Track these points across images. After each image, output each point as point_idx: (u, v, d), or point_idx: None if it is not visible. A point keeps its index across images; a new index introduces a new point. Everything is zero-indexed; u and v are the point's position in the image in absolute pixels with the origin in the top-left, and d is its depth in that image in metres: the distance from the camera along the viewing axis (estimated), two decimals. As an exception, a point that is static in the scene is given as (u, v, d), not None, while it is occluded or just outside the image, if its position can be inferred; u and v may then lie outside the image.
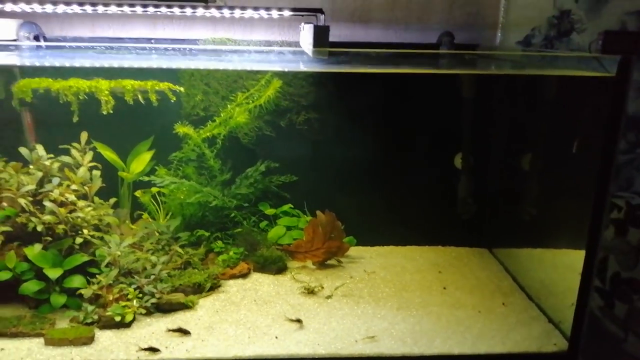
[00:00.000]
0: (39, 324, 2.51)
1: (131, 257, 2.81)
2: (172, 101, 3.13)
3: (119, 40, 3.37)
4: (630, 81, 2.21)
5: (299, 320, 2.70)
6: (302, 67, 3.24)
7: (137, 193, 3.27)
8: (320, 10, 2.97)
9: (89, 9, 2.90)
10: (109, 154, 3.19)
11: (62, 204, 2.71)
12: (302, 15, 3.16)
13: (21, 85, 2.96)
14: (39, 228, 2.59)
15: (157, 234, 3.14)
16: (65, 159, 2.91)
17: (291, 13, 2.99)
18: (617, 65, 2.19)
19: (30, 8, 2.90)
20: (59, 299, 2.61)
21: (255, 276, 3.17)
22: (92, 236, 2.74)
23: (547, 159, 3.02)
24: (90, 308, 2.59)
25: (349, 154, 3.56)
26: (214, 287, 2.96)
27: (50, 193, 2.69)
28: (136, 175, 3.25)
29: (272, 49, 3.19)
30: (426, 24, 3.54)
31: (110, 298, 2.65)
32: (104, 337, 2.52)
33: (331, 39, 3.48)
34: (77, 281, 2.66)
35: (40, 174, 2.72)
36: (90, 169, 2.94)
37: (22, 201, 2.59)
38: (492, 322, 2.75)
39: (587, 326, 2.50)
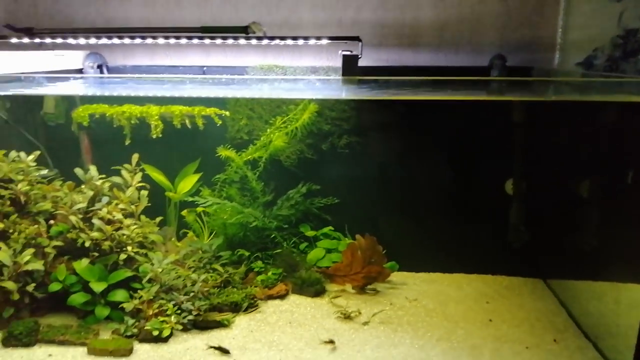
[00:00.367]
0: (83, 334, 2.64)
1: (172, 274, 2.90)
2: (217, 125, 3.26)
3: (175, 68, 3.57)
4: None
5: (331, 342, 2.65)
6: (333, 95, 3.23)
7: (184, 212, 3.39)
8: (357, 38, 2.96)
9: (149, 40, 3.11)
10: (156, 176, 3.34)
11: (109, 222, 2.86)
12: (346, 42, 3.19)
13: (79, 111, 3.20)
14: (87, 244, 2.75)
15: (200, 252, 3.23)
16: (116, 179, 3.08)
17: (328, 41, 3.00)
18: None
19: (97, 41, 3.15)
20: (103, 311, 2.73)
21: (293, 298, 3.15)
22: (136, 253, 2.86)
23: (608, 187, 2.79)
24: (130, 322, 2.68)
25: (393, 177, 3.49)
26: (251, 307, 2.97)
27: (99, 211, 2.84)
28: (182, 196, 3.38)
29: (307, 78, 3.21)
30: (477, 47, 3.44)
31: (150, 313, 2.73)
32: (142, 350, 2.59)
33: (379, 63, 3.53)
34: (120, 295, 2.77)
35: (91, 193, 2.89)
36: (139, 189, 3.09)
37: (73, 218, 2.76)
38: None
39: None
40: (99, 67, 3.47)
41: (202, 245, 3.23)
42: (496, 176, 3.42)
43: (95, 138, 3.41)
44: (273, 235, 3.34)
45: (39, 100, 3.30)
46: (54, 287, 2.71)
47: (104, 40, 3.05)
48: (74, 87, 3.16)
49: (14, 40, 2.98)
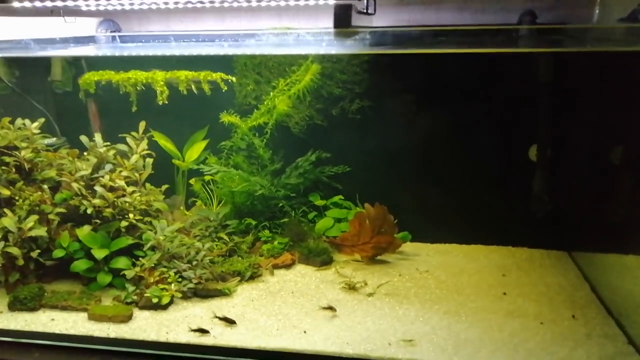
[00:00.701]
0: (85, 300, 2.66)
1: (176, 242, 2.87)
2: (225, 91, 3.17)
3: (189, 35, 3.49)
4: None
5: (331, 308, 2.58)
6: (342, 50, 3.02)
7: (191, 181, 3.35)
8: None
9: (164, 5, 3.03)
10: (165, 143, 3.31)
11: (112, 189, 2.85)
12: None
13: (86, 77, 3.18)
14: (89, 211, 2.75)
15: (209, 221, 3.20)
16: (122, 147, 3.06)
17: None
18: None
19: (110, 6, 3.09)
20: (105, 278, 2.75)
21: (299, 268, 3.08)
22: (139, 220, 2.85)
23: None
24: (131, 289, 2.68)
25: (407, 143, 3.31)
26: (255, 276, 2.92)
27: (101, 178, 2.84)
28: (190, 164, 3.33)
29: (295, 30, 3.00)
30: (506, 4, 3.17)
31: (151, 280, 2.73)
32: (141, 317, 2.59)
33: (400, 23, 3.31)
34: (122, 262, 2.77)
35: (94, 161, 2.89)
36: (144, 156, 3.06)
37: (75, 185, 2.76)
38: (554, 336, 2.37)
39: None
40: (112, 34, 3.43)
41: (209, 214, 3.20)
42: (519, 141, 3.18)
43: (104, 105, 3.40)
44: (281, 205, 3.26)
45: (46, 66, 3.30)
46: (58, 253, 2.74)
47: (117, 5, 3.00)
48: (81, 50, 3.13)
49: (17, 4, 2.95)
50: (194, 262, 2.85)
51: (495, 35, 2.70)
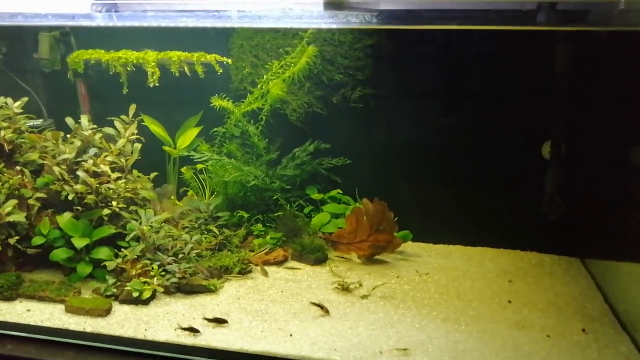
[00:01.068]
0: (64, 291, 2.52)
1: (161, 233, 2.73)
2: (219, 74, 3.00)
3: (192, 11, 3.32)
4: None
5: (322, 307, 2.42)
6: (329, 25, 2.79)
7: (183, 169, 3.19)
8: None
9: None
10: (155, 128, 3.15)
11: (95, 175, 2.70)
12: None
13: (74, 56, 3.03)
14: (71, 197, 2.60)
15: (199, 212, 3.04)
16: (109, 130, 2.91)
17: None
18: None
19: None
20: (85, 269, 2.60)
21: (291, 264, 2.91)
22: (123, 209, 2.70)
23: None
24: (111, 281, 2.54)
25: (411, 136, 3.11)
26: (244, 272, 2.76)
27: (84, 163, 2.69)
28: (181, 151, 3.17)
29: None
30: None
31: (133, 273, 2.59)
32: (120, 311, 2.45)
33: (409, 6, 3.10)
34: (103, 253, 2.63)
35: (78, 144, 2.74)
36: (132, 141, 2.90)
37: (56, 169, 2.62)
38: (562, 352, 2.16)
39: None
40: (108, 11, 3.27)
41: (200, 205, 3.04)
42: (532, 136, 2.95)
43: (94, 86, 3.25)
44: (276, 197, 3.09)
45: (33, 43, 3.14)
46: (37, 240, 2.60)
47: None
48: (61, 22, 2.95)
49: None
50: (180, 255, 2.70)
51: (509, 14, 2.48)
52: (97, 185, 2.66)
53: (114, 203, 2.66)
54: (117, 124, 2.89)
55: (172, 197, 3.19)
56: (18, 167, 2.72)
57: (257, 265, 2.82)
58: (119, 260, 2.59)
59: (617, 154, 2.62)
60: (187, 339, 2.25)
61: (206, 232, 2.93)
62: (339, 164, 3.13)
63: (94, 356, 2.27)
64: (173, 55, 2.96)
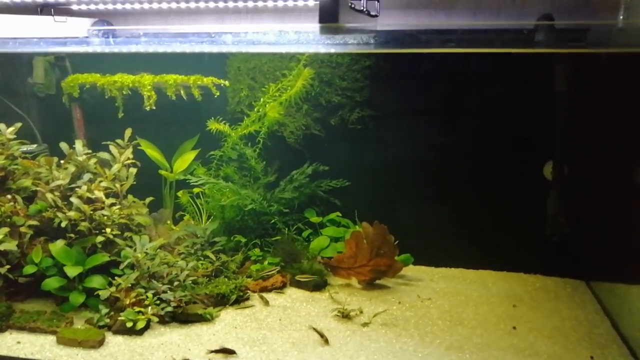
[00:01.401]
0: (55, 322, 2.45)
1: (156, 260, 2.66)
2: (216, 97, 2.97)
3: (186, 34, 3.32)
4: None
5: (322, 335, 2.36)
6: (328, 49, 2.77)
7: (179, 193, 3.14)
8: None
9: (164, 5, 2.84)
10: (151, 152, 3.10)
11: (89, 201, 2.65)
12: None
13: (69, 80, 3.00)
14: (64, 224, 2.55)
15: (195, 237, 2.98)
16: (104, 155, 2.86)
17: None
18: None
19: (101, 5, 2.92)
20: (78, 298, 2.53)
21: (290, 291, 2.84)
22: (117, 235, 2.64)
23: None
24: (104, 311, 2.47)
25: (411, 157, 3.07)
26: (240, 300, 2.69)
27: (78, 189, 2.64)
28: (178, 175, 3.12)
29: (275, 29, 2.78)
30: (522, 7, 2.93)
31: (127, 302, 2.51)
32: (113, 343, 2.37)
33: (407, 27, 3.08)
34: (96, 281, 2.56)
35: (72, 170, 2.69)
36: (128, 166, 2.85)
37: (49, 196, 2.57)
38: (570, 381, 2.11)
39: None
40: (105, 35, 3.25)
41: (196, 230, 2.98)
42: (534, 157, 2.91)
43: (90, 111, 3.21)
44: (274, 221, 3.03)
45: (28, 68, 3.11)
46: (29, 269, 2.53)
47: (109, 4, 2.81)
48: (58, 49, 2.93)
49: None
50: (175, 283, 2.63)
51: (509, 36, 2.46)
52: (91, 212, 2.60)
53: (108, 230, 2.60)
54: (112, 148, 2.84)
55: (169, 222, 3.13)
56: (9, 196, 2.66)
57: (254, 292, 2.75)
58: (113, 289, 2.52)
59: (622, 173, 2.58)
60: (182, 372, 2.19)
61: (202, 258, 2.86)
62: (338, 186, 3.08)
63: (86, 390, 2.20)
64: (169, 78, 2.94)
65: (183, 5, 2.92)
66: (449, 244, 3.07)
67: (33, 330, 2.44)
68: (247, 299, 2.72)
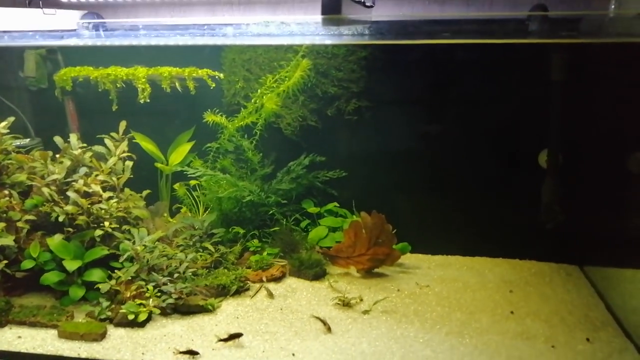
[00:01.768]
0: (56, 316, 2.44)
1: (156, 253, 2.66)
2: (212, 89, 2.96)
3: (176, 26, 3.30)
4: None
5: (325, 323, 2.39)
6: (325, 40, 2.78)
7: (176, 186, 3.13)
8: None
9: None
10: (147, 145, 3.08)
11: (86, 195, 2.63)
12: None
13: (62, 74, 2.96)
14: (61, 218, 2.53)
15: (193, 229, 2.97)
16: (100, 148, 2.84)
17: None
18: None
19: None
20: (77, 292, 2.52)
21: (290, 281, 2.86)
22: (116, 229, 2.63)
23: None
24: (105, 304, 2.46)
25: (407, 147, 3.09)
26: (241, 290, 2.70)
27: (74, 183, 2.62)
28: (175, 167, 3.11)
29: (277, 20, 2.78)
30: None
31: (128, 295, 2.51)
32: (115, 335, 2.37)
33: (400, 18, 3.10)
34: (96, 275, 2.55)
35: (68, 163, 2.66)
36: (124, 159, 2.84)
37: (45, 190, 2.54)
38: (568, 363, 2.16)
39: None
40: (95, 27, 3.21)
41: (194, 222, 2.97)
42: (529, 145, 2.95)
43: (83, 104, 3.17)
44: (272, 212, 3.03)
45: (19, 61, 3.06)
46: (27, 264, 2.52)
47: None
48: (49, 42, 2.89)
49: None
50: (175, 275, 2.63)
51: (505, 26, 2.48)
52: (89, 206, 2.59)
53: (107, 223, 2.59)
54: (107, 141, 2.82)
55: (165, 215, 3.13)
56: (6, 191, 2.63)
57: (254, 282, 2.76)
58: (113, 282, 2.52)
59: (615, 161, 2.63)
60: (186, 362, 2.19)
61: (201, 250, 2.86)
62: (335, 176, 3.10)
63: (90, 383, 2.20)
64: (164, 70, 2.92)
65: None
66: (445, 232, 3.10)
67: (33, 324, 2.43)
68: (248, 289, 2.73)
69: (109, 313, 2.45)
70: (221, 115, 3.00)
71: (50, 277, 2.52)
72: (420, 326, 2.42)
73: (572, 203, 2.89)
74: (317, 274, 2.84)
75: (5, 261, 2.50)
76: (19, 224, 2.55)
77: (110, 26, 3.26)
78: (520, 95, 2.90)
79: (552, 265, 3.00)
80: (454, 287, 2.78)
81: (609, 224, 2.71)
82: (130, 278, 2.55)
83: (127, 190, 2.82)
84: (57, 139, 2.76)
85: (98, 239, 2.59)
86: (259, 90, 2.92)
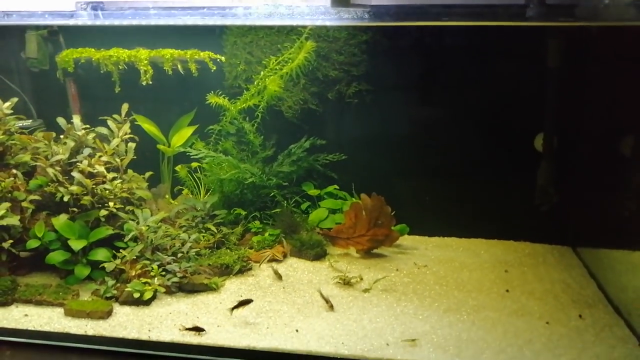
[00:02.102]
0: (62, 294, 2.48)
1: (159, 233, 2.70)
2: (213, 71, 2.98)
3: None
4: None
5: (327, 301, 2.45)
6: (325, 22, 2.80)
7: (178, 168, 3.16)
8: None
9: None
10: (149, 127, 3.11)
11: (90, 175, 2.66)
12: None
13: (64, 55, 2.96)
14: (66, 198, 2.55)
15: (195, 211, 3.01)
16: (103, 130, 2.85)
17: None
18: None
19: None
20: (83, 271, 2.56)
21: (291, 261, 2.92)
22: (120, 209, 2.66)
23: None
24: (110, 282, 2.50)
25: (406, 131, 3.15)
26: (244, 270, 2.76)
27: (79, 164, 2.64)
28: (176, 149, 3.14)
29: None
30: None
31: (133, 274, 2.55)
32: (121, 313, 2.42)
33: (392, 2, 3.12)
34: (101, 254, 2.59)
35: (72, 144, 2.68)
36: (126, 141, 2.86)
37: (50, 171, 2.56)
38: (561, 338, 2.23)
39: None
40: (94, 8, 3.20)
41: (196, 203, 3.01)
42: (525, 129, 3.01)
43: (85, 86, 3.18)
44: (273, 194, 3.08)
45: (20, 42, 3.05)
46: (32, 244, 2.54)
47: None
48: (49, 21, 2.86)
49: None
50: (179, 255, 2.68)
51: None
52: (93, 186, 2.61)
53: (111, 204, 2.62)
54: (110, 123, 2.84)
55: (167, 196, 3.16)
56: (13, 170, 2.64)
57: (257, 262, 2.81)
58: (118, 261, 2.56)
59: (607, 145, 2.71)
60: (193, 339, 2.24)
61: (204, 231, 2.91)
62: (335, 159, 3.15)
63: (98, 359, 2.24)
64: (166, 53, 2.93)
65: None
66: (443, 214, 3.17)
67: (39, 303, 2.47)
68: (250, 269, 2.79)
69: (115, 292, 2.49)
70: (224, 97, 3.02)
71: (56, 257, 2.56)
72: (419, 304, 2.50)
73: (566, 186, 2.98)
74: (318, 254, 2.90)
75: (11, 241, 2.52)
76: (24, 204, 2.57)
77: (108, 7, 3.26)
78: (517, 80, 2.95)
79: (546, 246, 3.08)
80: (451, 267, 2.86)
81: (600, 207, 2.80)
82: (135, 257, 2.59)
83: (130, 171, 2.85)
84: (60, 120, 2.77)
85: (103, 219, 2.62)
86: (262, 73, 2.94)
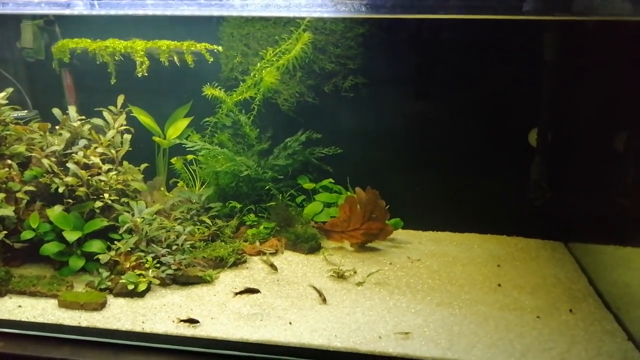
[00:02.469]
0: (56, 286, 2.49)
1: (154, 225, 2.70)
2: (209, 63, 2.97)
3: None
4: None
5: (320, 294, 2.47)
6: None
7: (173, 160, 3.16)
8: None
9: None
10: (144, 119, 3.10)
11: (86, 167, 2.66)
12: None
13: (59, 45, 2.95)
14: (61, 190, 2.55)
15: (190, 203, 3.02)
16: (98, 121, 2.85)
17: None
18: None
19: None
20: (77, 262, 2.57)
21: (285, 254, 2.93)
22: (115, 201, 2.66)
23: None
24: (105, 274, 2.51)
25: (401, 125, 3.15)
26: (238, 263, 2.77)
27: (74, 155, 2.64)
28: (172, 142, 3.14)
29: None
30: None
31: (127, 265, 2.56)
32: (115, 305, 2.43)
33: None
34: (95, 246, 2.60)
35: (67, 135, 2.68)
36: (122, 132, 2.85)
37: (46, 162, 2.56)
38: (552, 332, 2.26)
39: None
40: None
41: (191, 196, 3.02)
42: (519, 124, 3.03)
43: (80, 77, 3.16)
44: (268, 187, 3.09)
45: (16, 31, 3.04)
46: (26, 235, 2.55)
47: None
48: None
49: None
50: (174, 247, 2.69)
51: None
52: (88, 178, 2.61)
53: (106, 195, 2.62)
54: (106, 114, 2.83)
55: (162, 189, 3.16)
56: (9, 161, 2.64)
57: (251, 255, 2.83)
58: (113, 253, 2.57)
59: (600, 141, 2.72)
60: (187, 330, 2.26)
61: (199, 223, 2.92)
62: (331, 153, 3.16)
63: (92, 350, 2.24)
64: (162, 44, 2.92)
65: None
66: (436, 208, 3.19)
67: (33, 294, 2.47)
68: (245, 261, 2.80)
69: (109, 283, 2.50)
70: (220, 90, 3.02)
71: (50, 248, 2.56)
72: (412, 297, 2.52)
73: (559, 182, 3.00)
74: (312, 248, 2.92)
75: (5, 232, 2.52)
76: (19, 195, 2.57)
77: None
78: (512, 74, 2.96)
79: (538, 241, 3.11)
80: (444, 261, 2.88)
81: (592, 203, 2.82)
82: (129, 249, 2.60)
83: (125, 163, 2.85)
84: (56, 111, 2.76)
85: (97, 211, 2.62)
86: (258, 64, 2.94)
